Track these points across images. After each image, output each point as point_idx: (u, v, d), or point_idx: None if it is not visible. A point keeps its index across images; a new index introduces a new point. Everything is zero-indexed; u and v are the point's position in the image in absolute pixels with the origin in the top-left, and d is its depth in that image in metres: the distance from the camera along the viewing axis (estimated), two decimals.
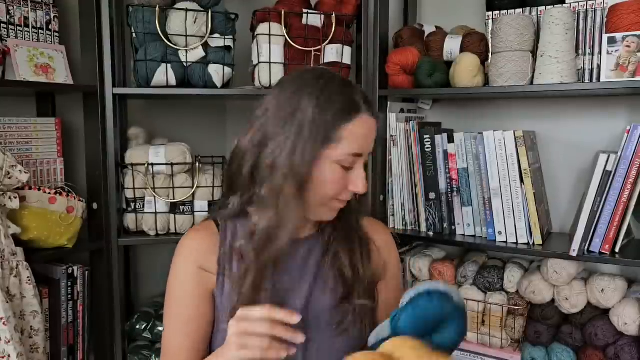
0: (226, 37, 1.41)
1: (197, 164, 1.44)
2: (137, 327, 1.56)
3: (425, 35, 1.53)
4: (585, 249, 1.23)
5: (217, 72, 1.39)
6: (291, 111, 0.84)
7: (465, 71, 1.35)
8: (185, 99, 1.69)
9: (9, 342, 1.04)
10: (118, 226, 1.42)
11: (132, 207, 1.44)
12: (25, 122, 1.37)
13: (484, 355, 1.38)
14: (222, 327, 0.89)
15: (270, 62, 1.39)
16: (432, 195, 1.45)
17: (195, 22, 1.36)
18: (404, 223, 1.52)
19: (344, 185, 0.88)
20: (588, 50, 1.32)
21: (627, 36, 1.16)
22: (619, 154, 1.18)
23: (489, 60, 1.37)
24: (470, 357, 1.40)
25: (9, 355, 1.04)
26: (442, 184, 1.44)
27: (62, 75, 1.37)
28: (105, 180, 1.40)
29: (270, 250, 0.85)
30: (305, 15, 1.40)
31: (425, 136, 1.44)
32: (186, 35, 1.36)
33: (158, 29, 1.34)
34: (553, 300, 1.34)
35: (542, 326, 1.36)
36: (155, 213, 1.43)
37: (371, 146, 0.90)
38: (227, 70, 1.41)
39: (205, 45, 1.39)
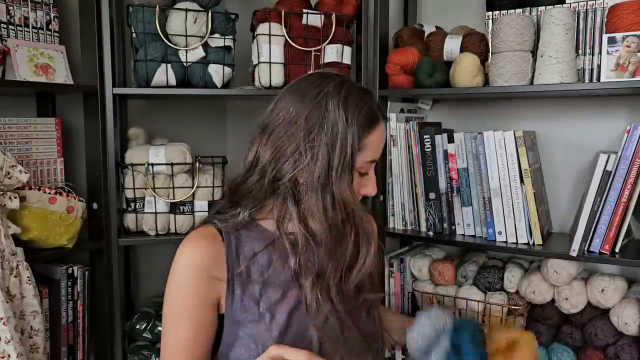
0: (226, 37, 1.41)
1: (197, 164, 1.44)
2: (137, 327, 1.56)
3: (425, 35, 1.53)
4: (585, 249, 1.23)
5: (217, 72, 1.39)
6: (318, 124, 0.84)
7: (465, 71, 1.35)
8: (185, 99, 1.69)
9: (9, 342, 1.04)
10: (118, 226, 1.42)
11: (132, 207, 1.44)
12: (25, 122, 1.37)
13: None
14: (242, 333, 0.88)
15: (270, 62, 1.39)
16: (432, 195, 1.45)
17: (195, 22, 1.36)
18: (404, 223, 1.52)
19: (358, 190, 0.90)
20: (588, 50, 1.32)
21: (627, 36, 1.16)
22: (619, 154, 1.18)
23: (489, 60, 1.37)
24: None
25: (9, 355, 1.04)
26: (442, 184, 1.44)
27: (62, 75, 1.37)
28: (105, 180, 1.40)
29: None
30: (305, 15, 1.40)
31: (425, 136, 1.44)
32: (186, 35, 1.36)
33: (158, 29, 1.34)
34: (553, 300, 1.34)
35: (542, 326, 1.36)
36: (155, 213, 1.43)
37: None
38: (227, 70, 1.41)
39: (205, 45, 1.39)
